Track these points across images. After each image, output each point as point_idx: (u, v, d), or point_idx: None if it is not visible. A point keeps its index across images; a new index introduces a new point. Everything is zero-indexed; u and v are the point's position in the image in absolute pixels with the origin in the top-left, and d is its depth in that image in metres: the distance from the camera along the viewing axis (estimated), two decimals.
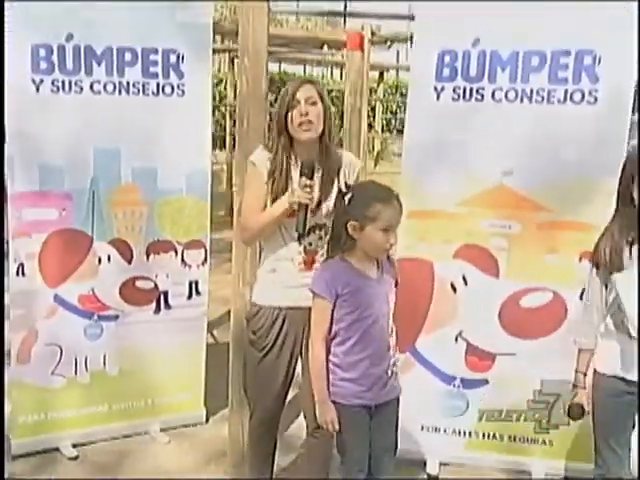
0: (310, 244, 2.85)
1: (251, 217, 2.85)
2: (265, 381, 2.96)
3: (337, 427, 2.61)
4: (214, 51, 4.47)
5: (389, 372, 2.66)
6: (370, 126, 11.49)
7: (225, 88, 11.93)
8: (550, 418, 3.61)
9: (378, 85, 14.16)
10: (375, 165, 15.64)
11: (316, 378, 2.65)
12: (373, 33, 6.97)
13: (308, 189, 2.65)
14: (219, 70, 15.33)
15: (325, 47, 8.60)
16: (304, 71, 20.74)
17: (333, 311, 2.60)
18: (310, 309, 2.73)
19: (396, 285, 2.72)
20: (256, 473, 3.14)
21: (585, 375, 2.80)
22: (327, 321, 2.62)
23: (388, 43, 9.24)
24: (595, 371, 2.78)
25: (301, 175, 2.69)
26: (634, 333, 2.57)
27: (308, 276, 2.80)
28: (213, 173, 3.96)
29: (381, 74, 14.16)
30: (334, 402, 2.65)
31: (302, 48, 9.79)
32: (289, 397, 3.05)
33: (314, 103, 2.76)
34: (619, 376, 2.69)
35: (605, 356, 2.74)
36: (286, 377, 2.95)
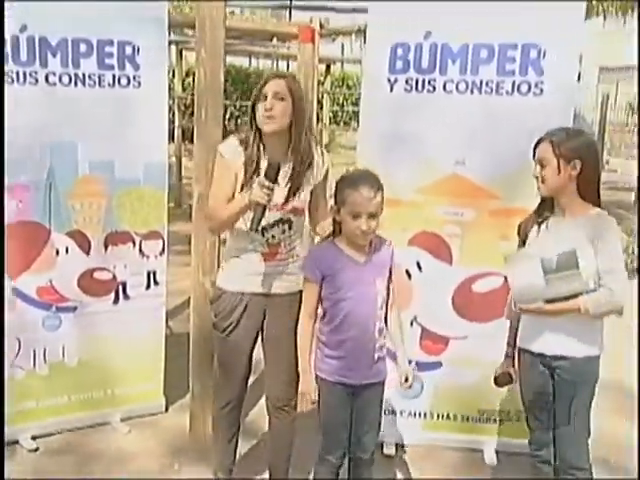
0: (273, 237, 2.90)
1: (217, 207, 2.88)
2: (229, 362, 3.04)
3: (314, 399, 2.73)
4: None
5: (375, 356, 2.75)
6: (318, 118, 11.52)
7: (173, 81, 11.80)
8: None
9: (325, 78, 14.17)
10: None
11: (301, 351, 2.78)
12: (322, 26, 7.00)
13: (266, 190, 2.65)
14: None
15: (274, 39, 8.61)
16: (250, 63, 20.64)
17: (321, 291, 2.73)
18: (272, 296, 2.92)
19: (390, 271, 2.80)
20: (220, 456, 3.20)
21: (514, 347, 2.98)
22: (313, 300, 2.76)
23: (333, 36, 9.28)
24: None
25: (265, 175, 2.68)
26: (514, 307, 2.78)
27: (270, 266, 2.91)
28: None
29: (328, 67, 14.17)
30: (319, 378, 2.76)
31: (251, 40, 9.77)
32: (249, 383, 3.11)
33: (282, 99, 2.76)
34: (526, 349, 2.86)
35: (519, 331, 2.93)
36: (247, 360, 3.03)
